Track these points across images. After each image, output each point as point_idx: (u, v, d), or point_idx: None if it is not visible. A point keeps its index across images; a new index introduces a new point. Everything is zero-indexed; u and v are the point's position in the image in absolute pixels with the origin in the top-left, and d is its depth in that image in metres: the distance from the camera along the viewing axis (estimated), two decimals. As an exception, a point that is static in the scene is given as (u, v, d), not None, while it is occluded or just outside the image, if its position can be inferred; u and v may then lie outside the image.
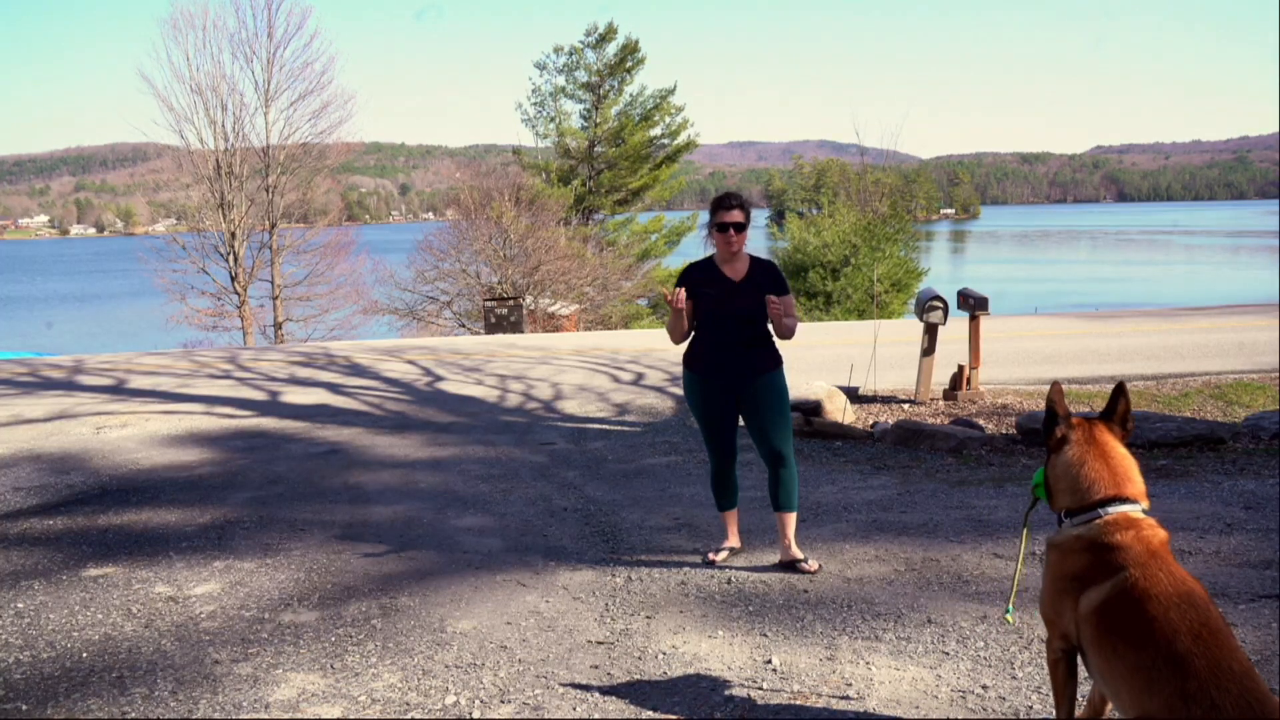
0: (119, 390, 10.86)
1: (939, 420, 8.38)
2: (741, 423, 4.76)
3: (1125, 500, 2.54)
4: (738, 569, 4.66)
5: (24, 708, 3.44)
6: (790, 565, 4.61)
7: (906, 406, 9.17)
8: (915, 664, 3.57)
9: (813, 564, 4.60)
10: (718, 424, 4.70)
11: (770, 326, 4.66)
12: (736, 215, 4.50)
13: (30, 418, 9.25)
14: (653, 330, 19.85)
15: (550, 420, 8.91)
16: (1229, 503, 5.48)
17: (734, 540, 4.87)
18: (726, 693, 3.40)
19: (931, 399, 9.35)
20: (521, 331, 20.29)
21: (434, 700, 3.42)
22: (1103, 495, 2.55)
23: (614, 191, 37.62)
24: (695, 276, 4.65)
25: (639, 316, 31.49)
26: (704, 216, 4.82)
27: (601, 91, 37.47)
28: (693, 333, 4.72)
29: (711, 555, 4.78)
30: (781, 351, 4.73)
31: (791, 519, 4.68)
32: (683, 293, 4.49)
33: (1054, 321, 16.79)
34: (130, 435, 8.40)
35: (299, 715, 3.34)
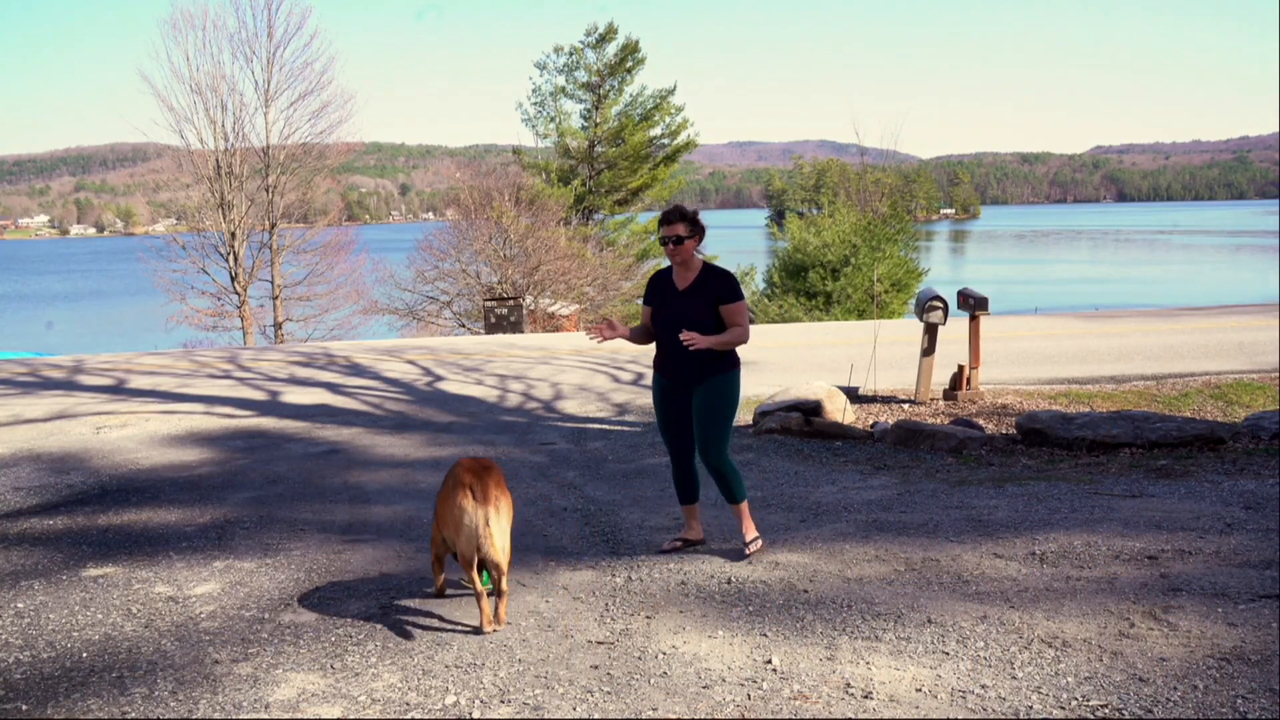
0: (119, 390, 10.87)
1: (939, 420, 8.38)
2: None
3: None
4: (738, 569, 4.66)
5: (24, 708, 3.44)
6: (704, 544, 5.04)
7: (906, 406, 9.17)
8: (915, 664, 3.57)
9: (752, 547, 4.88)
10: (673, 423, 4.94)
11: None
12: (678, 229, 4.72)
13: (30, 418, 9.25)
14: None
15: (550, 420, 8.91)
16: (1229, 503, 5.48)
17: (694, 533, 5.07)
18: (726, 693, 3.40)
19: (931, 399, 9.35)
20: (521, 331, 20.29)
21: (434, 700, 3.42)
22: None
23: (614, 191, 37.63)
24: (653, 283, 4.95)
25: (639, 316, 31.46)
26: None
27: (601, 91, 37.48)
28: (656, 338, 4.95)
29: (665, 545, 5.02)
30: (741, 352, 4.90)
31: (741, 509, 4.94)
32: (602, 328, 4.82)
33: (1054, 321, 16.79)
34: (130, 435, 8.40)
35: (299, 715, 3.34)
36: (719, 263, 5.61)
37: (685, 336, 4.56)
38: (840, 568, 4.64)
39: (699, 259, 4.85)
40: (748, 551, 4.83)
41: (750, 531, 4.90)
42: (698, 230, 4.76)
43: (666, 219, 4.77)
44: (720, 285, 4.76)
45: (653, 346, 4.98)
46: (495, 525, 3.91)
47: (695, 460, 4.99)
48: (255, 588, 4.60)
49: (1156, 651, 3.58)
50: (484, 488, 3.95)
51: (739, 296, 4.79)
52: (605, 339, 4.78)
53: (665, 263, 5.15)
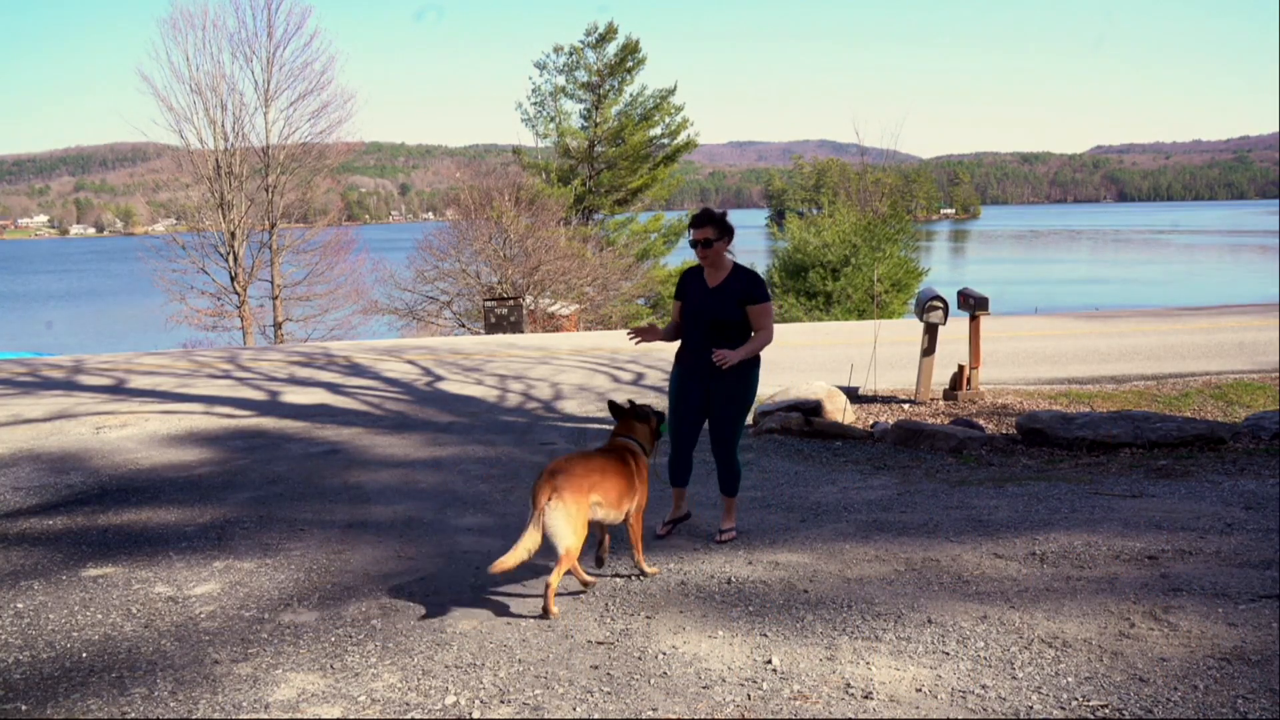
0: (119, 390, 10.86)
1: (939, 420, 8.38)
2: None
3: None
4: (738, 569, 4.66)
5: (24, 708, 3.44)
6: (712, 535, 5.23)
7: (906, 406, 9.17)
8: (915, 664, 3.57)
9: (725, 536, 5.18)
10: (689, 414, 5.11)
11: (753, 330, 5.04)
12: (707, 231, 4.89)
13: (30, 418, 9.24)
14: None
15: (550, 420, 8.91)
16: (1229, 503, 5.48)
17: (679, 511, 5.35)
18: (726, 693, 3.40)
19: (931, 399, 9.35)
20: (521, 331, 20.29)
21: (434, 700, 3.42)
22: None
23: (614, 191, 37.61)
24: (685, 280, 5.14)
25: (639, 316, 31.50)
26: None
27: (601, 91, 37.47)
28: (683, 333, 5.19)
29: (660, 530, 5.27)
30: (762, 352, 5.05)
31: (731, 503, 5.26)
32: (644, 331, 5.14)
33: (1054, 321, 16.79)
34: (130, 435, 8.40)
35: (299, 715, 3.34)
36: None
37: (718, 356, 4.75)
38: (840, 568, 4.64)
39: (729, 259, 4.99)
40: (719, 539, 5.14)
41: (729, 523, 5.23)
42: (726, 232, 4.92)
43: (696, 222, 4.93)
44: (748, 286, 4.94)
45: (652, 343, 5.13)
46: (533, 528, 4.08)
47: (693, 452, 5.20)
48: (255, 588, 4.60)
49: (1156, 651, 3.58)
50: (534, 496, 4.18)
51: (766, 298, 4.97)
52: (646, 341, 5.05)
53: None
